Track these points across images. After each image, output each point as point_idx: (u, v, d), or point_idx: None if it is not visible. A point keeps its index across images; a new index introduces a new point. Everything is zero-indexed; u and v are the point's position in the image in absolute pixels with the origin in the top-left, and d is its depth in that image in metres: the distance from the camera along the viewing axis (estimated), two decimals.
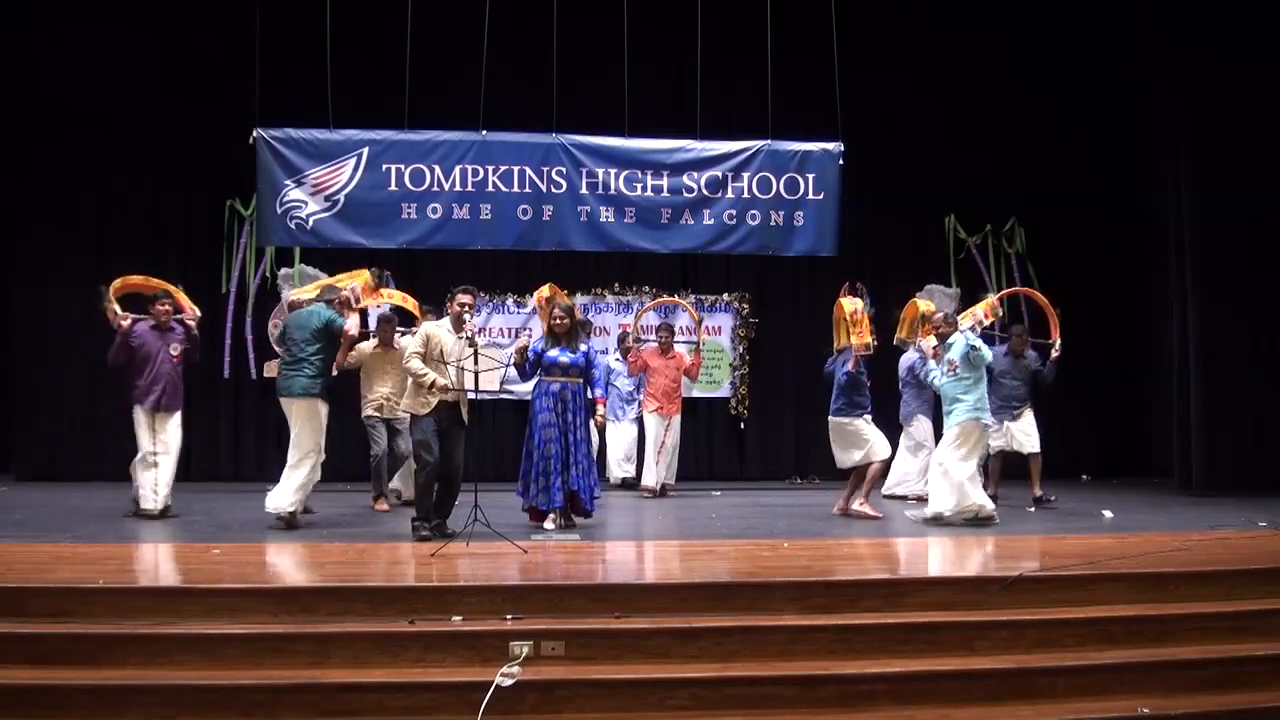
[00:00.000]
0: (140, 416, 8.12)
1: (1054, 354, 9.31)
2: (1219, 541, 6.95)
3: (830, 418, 8.56)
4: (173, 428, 8.19)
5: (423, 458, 7.02)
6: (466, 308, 7.12)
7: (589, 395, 7.69)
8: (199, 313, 8.65)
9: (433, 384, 6.90)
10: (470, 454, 7.57)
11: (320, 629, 4.93)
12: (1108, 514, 8.55)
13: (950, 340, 8.17)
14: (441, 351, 6.98)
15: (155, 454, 8.06)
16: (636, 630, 5.00)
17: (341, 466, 11.07)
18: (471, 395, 7.04)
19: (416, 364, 6.99)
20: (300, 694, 4.58)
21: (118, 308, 8.24)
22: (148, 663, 4.76)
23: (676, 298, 11.50)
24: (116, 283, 8.47)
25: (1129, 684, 4.96)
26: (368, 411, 8.90)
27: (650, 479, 10.09)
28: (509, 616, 5.03)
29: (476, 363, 6.73)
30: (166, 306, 8.30)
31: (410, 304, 9.42)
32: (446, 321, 7.23)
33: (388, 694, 4.62)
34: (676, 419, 10.23)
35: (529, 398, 10.66)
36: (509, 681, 4.60)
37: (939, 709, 4.75)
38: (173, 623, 4.96)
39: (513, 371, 7.57)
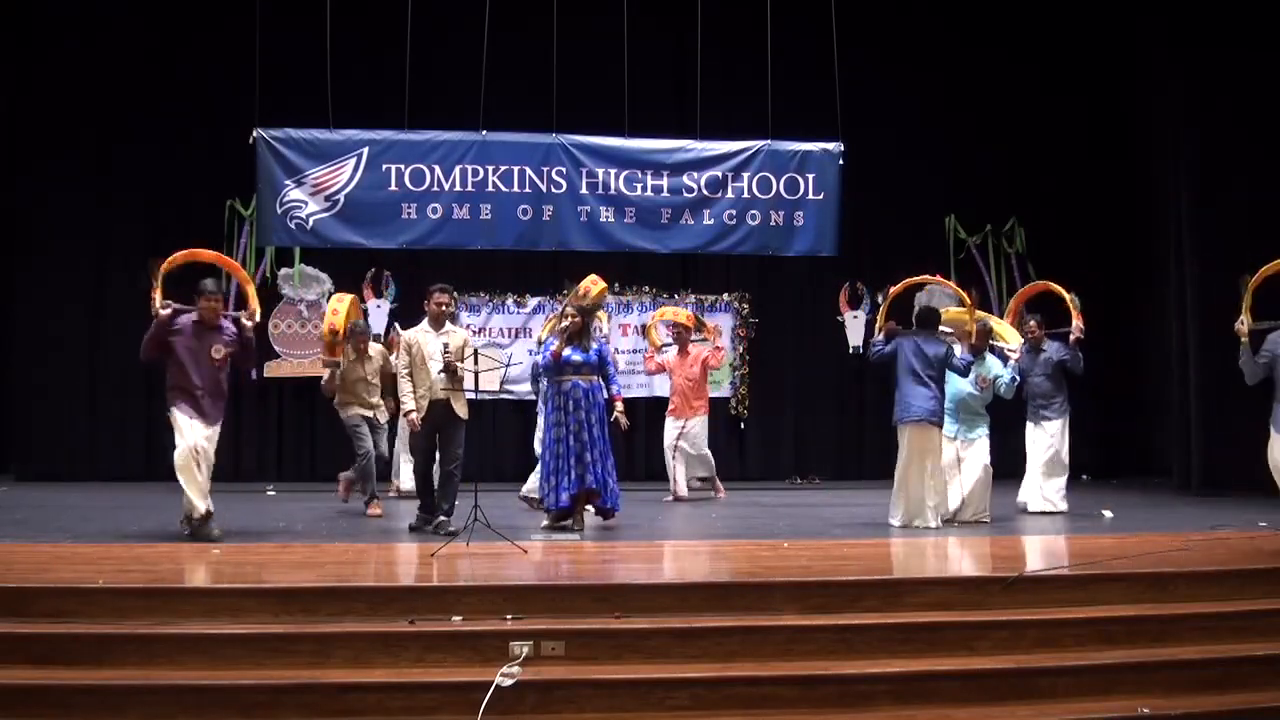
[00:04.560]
0: (178, 418, 7.03)
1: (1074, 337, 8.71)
2: (1219, 541, 6.94)
3: (915, 423, 7.68)
4: (215, 434, 7.22)
5: (416, 456, 7.32)
6: (444, 306, 7.26)
7: (609, 391, 7.61)
8: (258, 312, 7.63)
9: (407, 413, 7.16)
10: (470, 454, 7.58)
11: (320, 629, 4.92)
12: (1108, 514, 8.55)
13: (984, 354, 8.23)
14: (425, 356, 7.14)
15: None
16: (636, 630, 4.99)
17: (340, 467, 11.09)
18: (471, 396, 7.10)
19: (405, 386, 7.21)
20: (300, 694, 4.58)
21: (158, 295, 7.11)
22: (148, 663, 4.75)
23: (675, 311, 10.80)
24: (176, 257, 7.39)
25: (1129, 684, 4.95)
26: (351, 411, 8.64)
27: (678, 486, 9.80)
28: (509, 616, 5.02)
29: (476, 363, 6.76)
30: (213, 302, 7.04)
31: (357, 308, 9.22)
32: (425, 323, 7.28)
33: (388, 694, 4.61)
34: (695, 420, 9.85)
35: (529, 398, 10.74)
36: (509, 681, 4.60)
37: (939, 709, 4.75)
38: (173, 623, 4.96)
39: (513, 371, 7.64)
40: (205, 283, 7.11)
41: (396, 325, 10.26)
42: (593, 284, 8.91)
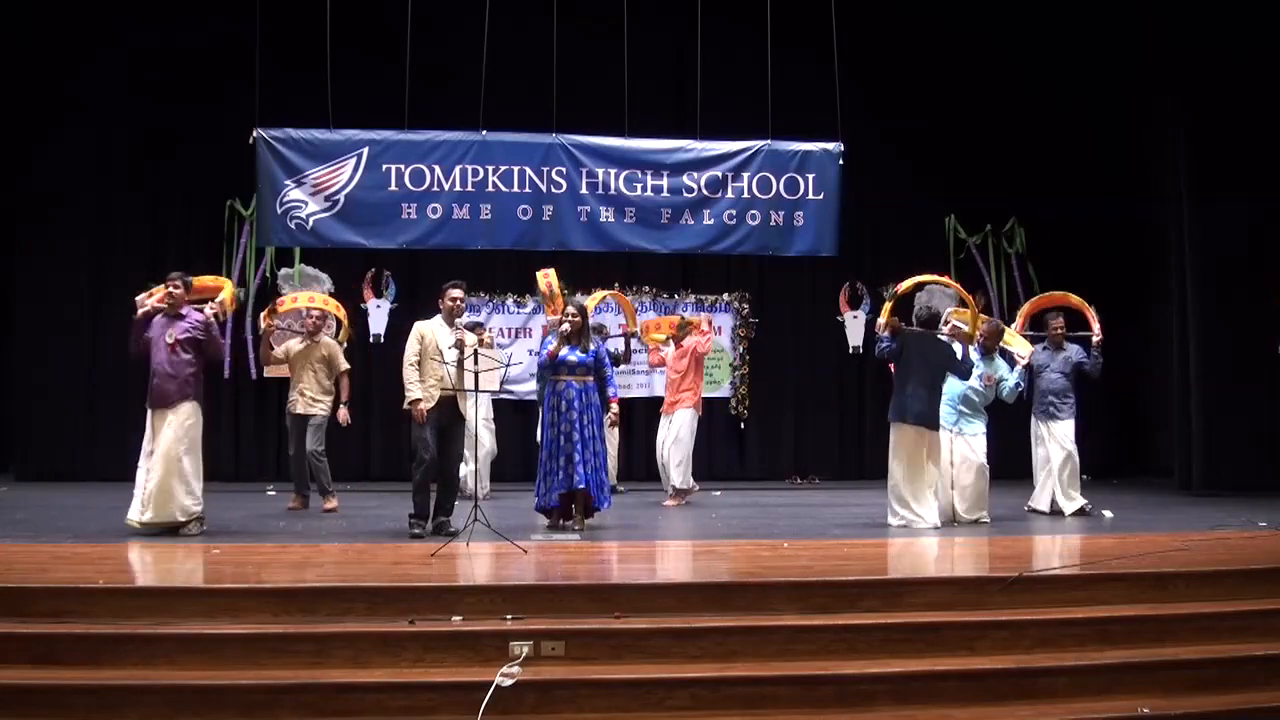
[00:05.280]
0: (148, 416, 7.14)
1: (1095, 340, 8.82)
2: (1219, 541, 6.95)
3: (909, 425, 7.69)
4: (167, 429, 7.00)
5: (419, 455, 7.10)
6: (458, 302, 7.20)
7: (606, 393, 7.64)
8: (225, 308, 7.64)
9: (415, 401, 7.04)
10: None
11: (320, 629, 4.92)
12: (1108, 514, 8.55)
13: (995, 354, 8.32)
14: (438, 348, 7.05)
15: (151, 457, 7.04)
16: (636, 630, 4.99)
17: (339, 467, 11.08)
18: (471, 395, 7.07)
19: (411, 373, 7.09)
20: (300, 694, 4.58)
21: (149, 300, 7.37)
22: (148, 663, 4.75)
23: (656, 323, 10.80)
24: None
25: (1129, 684, 4.95)
26: (290, 408, 8.92)
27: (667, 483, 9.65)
28: (509, 616, 5.02)
29: (476, 362, 6.74)
30: (174, 287, 7.19)
31: (331, 306, 9.56)
32: (439, 318, 7.25)
33: (388, 694, 4.61)
34: (678, 415, 9.61)
35: (530, 398, 10.79)
36: (509, 681, 4.60)
37: (939, 709, 4.74)
38: (173, 623, 4.96)
39: (513, 371, 7.62)
40: (172, 273, 7.37)
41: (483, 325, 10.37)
42: (543, 276, 9.07)
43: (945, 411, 8.20)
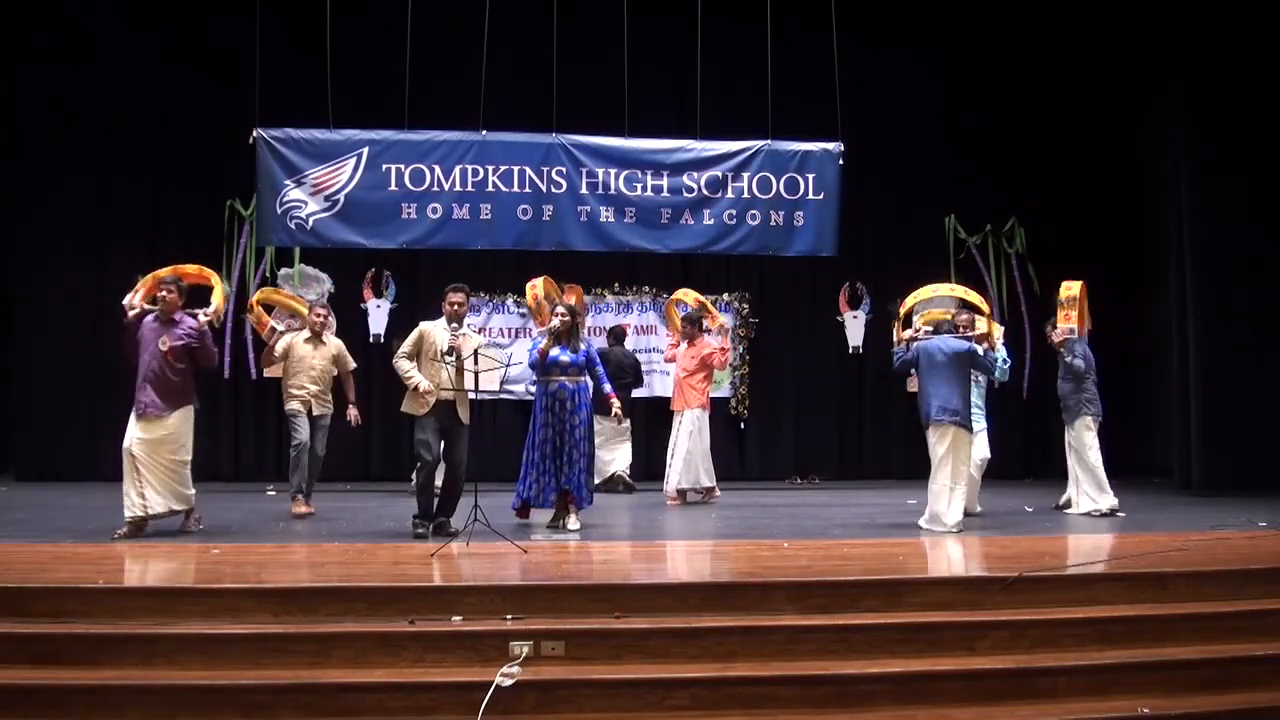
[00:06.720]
0: (131, 422, 7.01)
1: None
2: (1219, 541, 6.95)
3: (935, 424, 7.65)
4: (163, 432, 6.95)
5: (421, 456, 7.09)
6: (458, 306, 7.20)
7: (604, 390, 7.63)
8: (219, 315, 7.49)
9: (416, 387, 7.02)
10: (470, 454, 7.56)
11: (320, 629, 4.93)
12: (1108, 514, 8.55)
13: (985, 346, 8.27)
14: (437, 351, 7.04)
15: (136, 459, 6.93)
16: (636, 630, 5.00)
17: (339, 467, 11.08)
18: (471, 396, 7.07)
19: (404, 364, 7.09)
20: (300, 694, 4.58)
21: (135, 298, 7.29)
22: (147, 663, 4.76)
23: (684, 291, 10.61)
24: (161, 273, 7.42)
25: (1129, 684, 4.95)
26: (291, 405, 8.43)
27: (669, 484, 9.52)
28: (509, 616, 5.02)
29: (476, 363, 6.75)
30: (169, 293, 7.01)
31: (300, 305, 9.27)
32: (442, 320, 7.25)
33: (388, 694, 4.61)
34: (688, 415, 9.51)
35: (529, 398, 10.78)
36: (509, 681, 4.60)
37: (939, 709, 4.75)
38: (173, 623, 4.96)
39: (513, 371, 7.61)
40: (165, 276, 7.28)
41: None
42: (530, 288, 9.11)
43: None
